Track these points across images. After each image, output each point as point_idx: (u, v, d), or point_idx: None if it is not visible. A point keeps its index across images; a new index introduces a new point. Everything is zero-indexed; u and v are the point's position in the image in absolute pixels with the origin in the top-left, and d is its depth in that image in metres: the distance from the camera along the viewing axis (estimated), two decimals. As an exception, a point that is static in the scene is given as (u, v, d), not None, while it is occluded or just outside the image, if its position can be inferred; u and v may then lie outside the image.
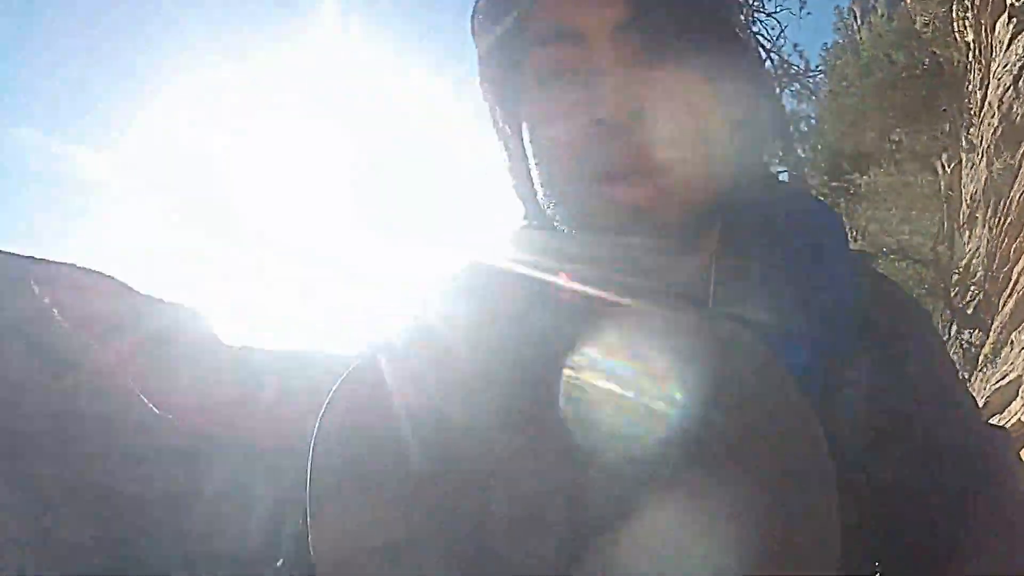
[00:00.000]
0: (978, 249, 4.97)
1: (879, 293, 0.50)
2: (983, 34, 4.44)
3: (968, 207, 5.43)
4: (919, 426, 0.46)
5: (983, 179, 4.28)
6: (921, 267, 5.24)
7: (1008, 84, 3.60)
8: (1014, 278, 3.66)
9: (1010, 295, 3.68)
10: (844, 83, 7.50)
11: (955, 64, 5.58)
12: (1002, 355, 3.72)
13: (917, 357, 0.48)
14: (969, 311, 4.44)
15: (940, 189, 7.02)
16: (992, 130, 3.89)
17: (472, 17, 0.54)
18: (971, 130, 5.44)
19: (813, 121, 11.51)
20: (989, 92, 3.99)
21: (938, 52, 6.16)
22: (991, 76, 4.03)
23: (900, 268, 5.83)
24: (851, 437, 0.43)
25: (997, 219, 3.89)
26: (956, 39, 5.34)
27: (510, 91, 0.52)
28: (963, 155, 5.97)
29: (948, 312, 4.86)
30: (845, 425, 0.43)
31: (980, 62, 4.64)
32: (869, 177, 8.09)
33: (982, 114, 4.60)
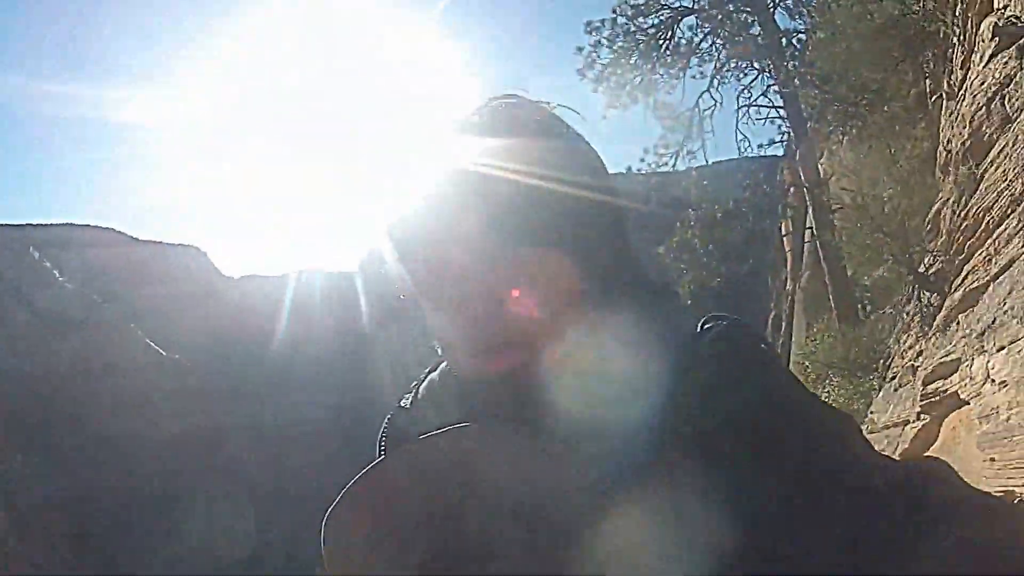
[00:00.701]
0: (942, 210, 5.49)
1: (692, 382, 0.53)
2: (969, 25, 4.68)
3: (945, 149, 5.81)
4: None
5: (954, 173, 4.74)
6: (889, 240, 5.78)
7: (981, 104, 3.98)
8: (965, 271, 4.31)
9: (961, 284, 4.36)
10: (834, 30, 7.56)
11: (939, 29, 5.73)
12: (949, 332, 4.47)
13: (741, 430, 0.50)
14: (931, 278, 5.11)
15: (919, 135, 7.34)
16: (962, 140, 4.33)
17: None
18: (952, 77, 5.71)
19: (803, 36, 11.37)
20: (963, 105, 4.35)
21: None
22: (968, 89, 4.36)
23: (870, 240, 6.33)
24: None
25: (957, 218, 4.45)
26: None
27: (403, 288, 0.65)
28: (944, 102, 6.22)
29: (910, 275, 5.51)
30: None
31: (963, 45, 4.90)
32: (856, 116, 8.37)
33: (959, 96, 4.94)
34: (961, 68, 4.87)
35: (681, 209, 11.41)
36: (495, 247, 0.57)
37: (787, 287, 16.33)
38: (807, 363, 8.31)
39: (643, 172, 12.11)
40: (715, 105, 11.80)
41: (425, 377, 0.74)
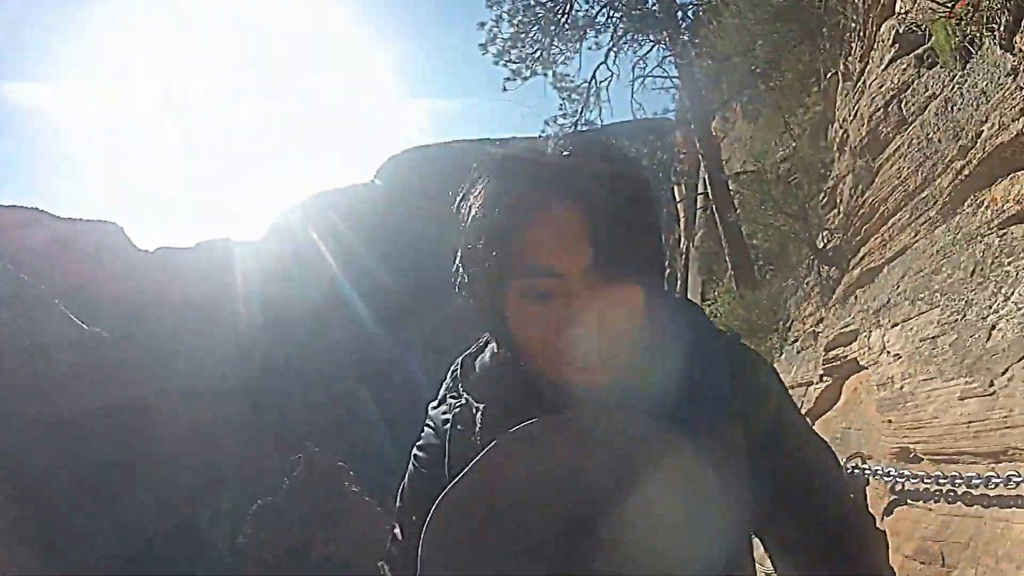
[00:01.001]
0: (839, 187, 6.09)
1: (739, 379, 0.80)
2: (870, 24, 5.14)
3: (841, 128, 6.17)
4: (778, 452, 0.81)
5: (847, 165, 5.28)
6: (790, 220, 6.37)
7: (880, 105, 4.46)
8: (862, 252, 4.90)
9: (859, 263, 4.94)
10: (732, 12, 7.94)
11: (839, 21, 6.20)
12: (847, 304, 5.08)
13: (768, 411, 0.82)
14: (829, 253, 5.73)
15: (814, 113, 7.99)
16: (859, 137, 4.83)
17: (464, 248, 0.75)
18: (849, 59, 6.18)
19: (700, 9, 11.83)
20: (861, 104, 4.84)
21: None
22: (866, 89, 4.84)
23: (765, 206, 6.90)
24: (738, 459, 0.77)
25: (854, 203, 5.01)
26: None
27: (494, 295, 0.73)
28: (840, 82, 6.55)
29: (807, 249, 6.14)
30: (738, 454, 0.78)
31: (863, 41, 5.38)
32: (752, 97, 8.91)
33: (857, 88, 5.45)
34: (860, 61, 5.36)
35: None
36: (601, 275, 0.68)
37: (680, 245, 17.39)
38: (709, 323, 8.98)
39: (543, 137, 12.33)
40: (611, 76, 12.16)
41: (457, 371, 0.86)
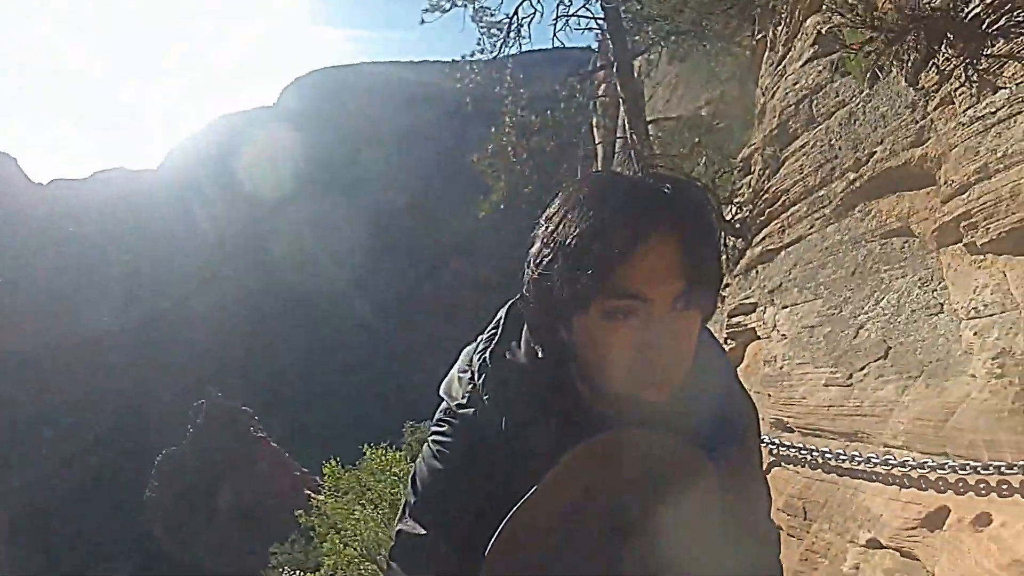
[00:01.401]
0: (755, 156, 6.44)
1: (740, 411, 0.99)
2: (797, 14, 5.33)
3: (763, 95, 6.32)
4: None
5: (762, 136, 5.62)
6: (705, 153, 6.61)
7: (792, 101, 4.76)
8: (764, 233, 5.36)
9: (760, 241, 5.42)
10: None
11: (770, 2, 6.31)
12: (749, 277, 5.60)
13: (749, 443, 1.02)
14: (736, 225, 6.19)
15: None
16: (771, 127, 5.15)
17: (553, 264, 0.78)
18: (776, 31, 6.24)
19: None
20: (775, 98, 5.12)
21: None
22: (784, 74, 5.10)
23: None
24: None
25: (760, 185, 5.41)
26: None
27: (573, 311, 0.78)
28: (767, 50, 6.67)
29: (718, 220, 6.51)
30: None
31: (788, 28, 5.59)
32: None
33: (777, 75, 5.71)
34: (783, 46, 5.61)
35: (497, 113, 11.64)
36: (682, 303, 0.76)
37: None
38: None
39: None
40: (534, 14, 11.77)
41: (486, 372, 0.89)
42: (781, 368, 4.42)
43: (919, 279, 3.36)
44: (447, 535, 0.87)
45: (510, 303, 0.95)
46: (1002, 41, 2.81)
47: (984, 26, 2.82)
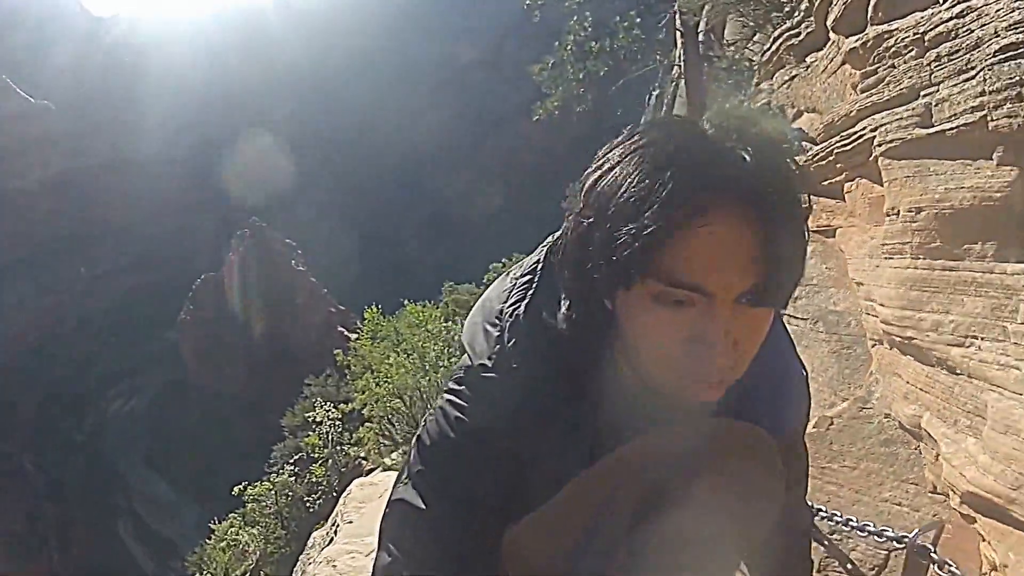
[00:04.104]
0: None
1: (800, 405, 0.91)
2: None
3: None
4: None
5: None
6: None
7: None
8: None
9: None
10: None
11: None
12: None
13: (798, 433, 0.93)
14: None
15: None
16: None
17: (595, 226, 0.64)
18: None
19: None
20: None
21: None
22: None
23: None
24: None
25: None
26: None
27: (614, 286, 0.65)
28: None
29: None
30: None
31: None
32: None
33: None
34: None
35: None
36: (751, 300, 0.63)
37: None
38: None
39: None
40: None
41: (518, 335, 0.76)
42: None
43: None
44: (452, 511, 0.77)
45: (551, 241, 0.81)
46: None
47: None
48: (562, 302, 0.75)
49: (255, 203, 51.85)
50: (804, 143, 3.81)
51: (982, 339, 1.81)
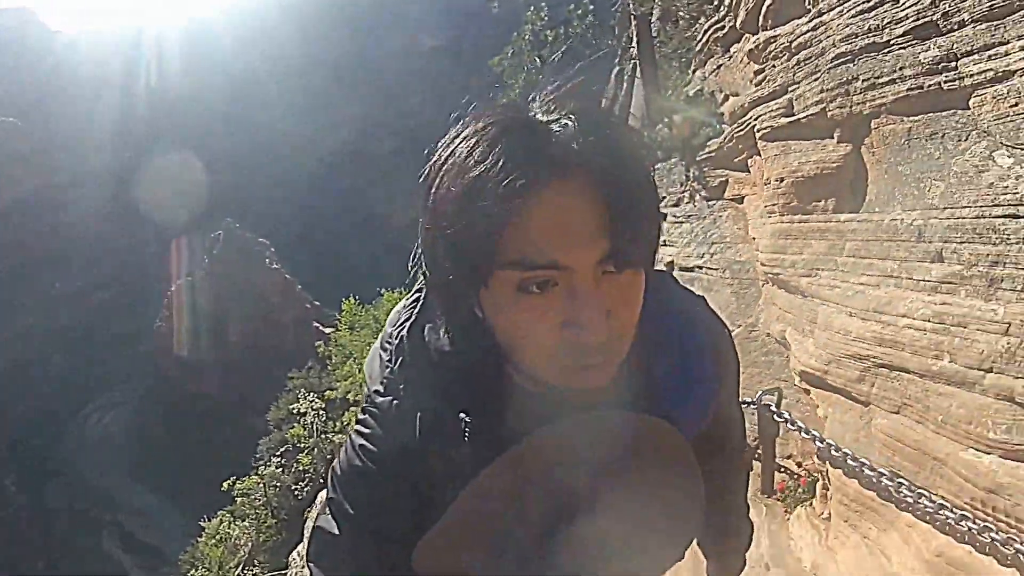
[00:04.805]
0: None
1: (720, 365, 0.81)
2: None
3: None
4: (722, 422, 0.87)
5: None
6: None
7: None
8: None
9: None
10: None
11: None
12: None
13: (729, 391, 0.87)
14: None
15: None
16: None
17: (436, 226, 0.60)
18: None
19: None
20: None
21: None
22: None
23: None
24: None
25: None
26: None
27: (471, 284, 0.61)
28: None
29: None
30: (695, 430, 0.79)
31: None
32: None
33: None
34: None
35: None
36: (612, 265, 0.59)
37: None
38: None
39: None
40: None
41: (403, 353, 0.73)
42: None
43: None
44: (362, 537, 0.77)
45: None
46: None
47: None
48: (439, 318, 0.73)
49: (225, 203, 51.53)
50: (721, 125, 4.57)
51: (822, 270, 2.54)
